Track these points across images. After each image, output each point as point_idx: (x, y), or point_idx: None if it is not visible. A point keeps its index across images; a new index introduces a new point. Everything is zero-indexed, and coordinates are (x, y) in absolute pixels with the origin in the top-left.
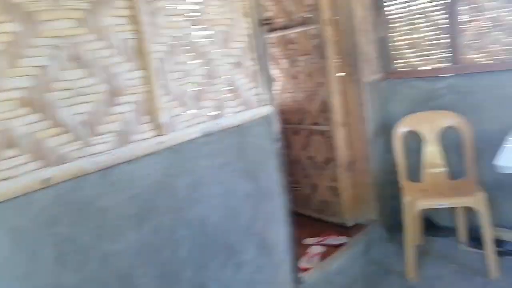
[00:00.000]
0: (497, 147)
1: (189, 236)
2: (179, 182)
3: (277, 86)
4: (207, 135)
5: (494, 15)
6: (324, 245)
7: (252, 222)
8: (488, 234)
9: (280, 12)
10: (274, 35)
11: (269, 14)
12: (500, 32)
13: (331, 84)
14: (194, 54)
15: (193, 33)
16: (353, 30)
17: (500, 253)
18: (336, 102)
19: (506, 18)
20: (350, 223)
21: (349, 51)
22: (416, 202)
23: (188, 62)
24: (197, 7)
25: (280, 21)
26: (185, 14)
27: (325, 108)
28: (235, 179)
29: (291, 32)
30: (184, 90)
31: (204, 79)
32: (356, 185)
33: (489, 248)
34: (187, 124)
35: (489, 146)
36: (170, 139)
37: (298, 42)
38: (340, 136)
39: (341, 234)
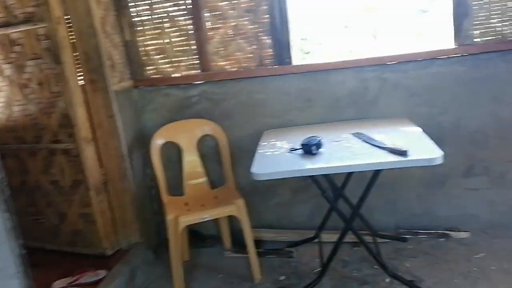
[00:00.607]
0: (251, 152)
1: None
2: None
3: (1, 97)
4: None
5: (236, 23)
6: (78, 285)
7: None
8: (249, 238)
9: None
10: None
11: None
12: (243, 41)
13: (71, 94)
14: None
15: None
16: (94, 31)
17: (261, 254)
18: (79, 115)
19: (247, 27)
20: (110, 251)
21: (90, 56)
22: (179, 219)
23: None
24: None
25: None
26: None
27: (66, 123)
28: None
29: (14, 31)
30: None
31: None
32: (113, 208)
33: (251, 251)
34: None
35: (244, 152)
36: None
37: (24, 43)
38: (88, 154)
39: (100, 267)
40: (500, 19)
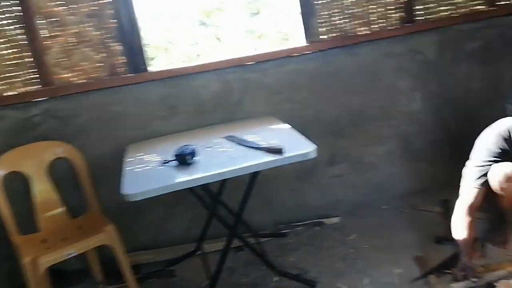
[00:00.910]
0: (115, 170)
1: None
2: None
3: None
4: None
5: (77, 30)
6: None
7: None
8: (125, 265)
9: None
10: None
11: None
12: (88, 49)
13: None
14: None
15: None
16: None
17: (141, 279)
18: None
19: (91, 33)
20: None
21: None
22: (38, 261)
23: None
24: None
25: None
26: None
27: None
28: None
29: None
30: None
31: None
32: None
33: (129, 279)
34: None
35: (106, 171)
36: None
37: None
38: None
39: None
40: (340, 17)
